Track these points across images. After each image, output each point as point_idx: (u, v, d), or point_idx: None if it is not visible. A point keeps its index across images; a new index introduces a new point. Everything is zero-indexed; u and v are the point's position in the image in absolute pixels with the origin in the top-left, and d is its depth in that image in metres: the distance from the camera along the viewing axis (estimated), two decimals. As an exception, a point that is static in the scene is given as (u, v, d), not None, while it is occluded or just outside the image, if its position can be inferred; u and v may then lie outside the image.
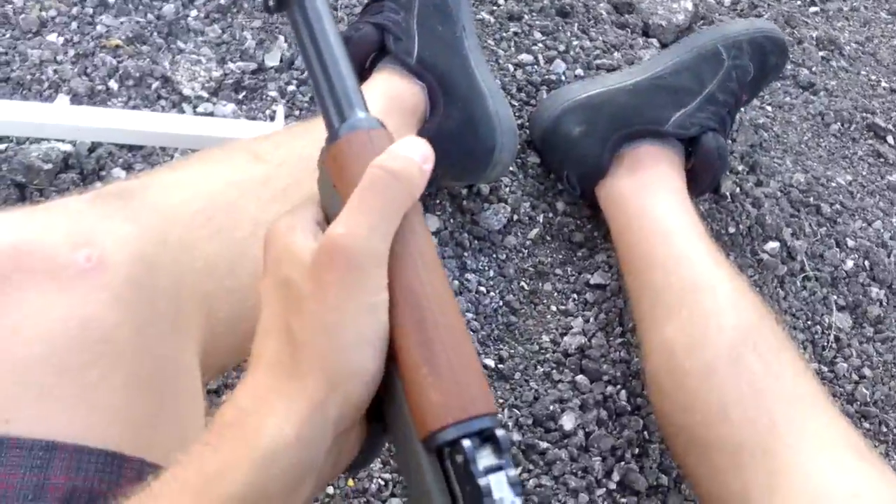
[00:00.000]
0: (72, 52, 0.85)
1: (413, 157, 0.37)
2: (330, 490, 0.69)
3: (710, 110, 0.87)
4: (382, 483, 0.70)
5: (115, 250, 0.43)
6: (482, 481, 0.32)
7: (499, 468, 0.32)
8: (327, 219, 0.39)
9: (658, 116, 0.86)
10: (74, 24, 0.88)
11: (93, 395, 0.40)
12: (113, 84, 0.84)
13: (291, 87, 0.90)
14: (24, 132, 0.75)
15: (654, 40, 1.13)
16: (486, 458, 0.33)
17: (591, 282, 0.87)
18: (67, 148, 0.77)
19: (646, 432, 0.78)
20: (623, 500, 0.75)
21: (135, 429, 0.41)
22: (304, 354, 0.34)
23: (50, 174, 0.75)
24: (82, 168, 0.77)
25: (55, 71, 0.83)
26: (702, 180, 0.87)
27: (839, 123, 1.11)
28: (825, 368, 0.89)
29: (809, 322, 0.91)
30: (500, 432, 0.33)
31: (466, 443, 0.32)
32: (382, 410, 0.37)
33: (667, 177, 0.84)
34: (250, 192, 0.55)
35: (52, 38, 0.87)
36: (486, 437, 0.33)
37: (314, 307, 0.34)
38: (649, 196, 0.82)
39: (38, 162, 0.74)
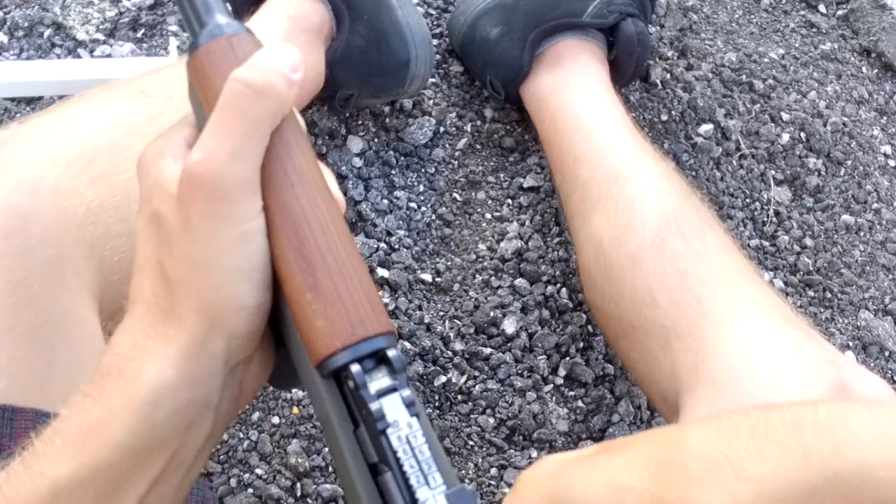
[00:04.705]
0: (-46, 8, 0.81)
1: (278, 67, 0.33)
2: (276, 420, 0.70)
3: (628, -5, 0.85)
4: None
5: None
6: (374, 405, 0.31)
7: (392, 390, 0.31)
8: None
9: (574, 8, 0.84)
10: (-46, -22, 0.84)
11: None
12: (2, 37, 0.80)
13: (195, 20, 0.87)
14: (-90, 97, 0.71)
15: (574, -70, 1.09)
16: (379, 380, 0.32)
17: (525, 185, 0.86)
18: (-39, 109, 0.74)
19: (589, 326, 0.79)
20: (571, 392, 0.75)
21: (24, 380, 0.40)
22: (178, 293, 0.32)
23: (-53, 138, 0.72)
24: (-20, 128, 0.74)
25: (-61, 30, 0.79)
26: (625, 69, 0.85)
27: (770, -3, 1.09)
28: (767, 243, 0.89)
29: (748, 200, 0.91)
30: (391, 352, 0.32)
31: (355, 367, 0.31)
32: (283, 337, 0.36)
33: (588, 69, 0.82)
34: (137, 130, 0.53)
35: (-69, -5, 0.82)
36: (381, 358, 0.32)
37: (183, 242, 0.32)
38: (570, 91, 0.80)
39: (-69, 127, 0.71)
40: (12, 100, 0.74)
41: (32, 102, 0.76)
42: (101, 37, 0.80)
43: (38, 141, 0.48)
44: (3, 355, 0.40)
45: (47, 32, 0.80)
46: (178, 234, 0.32)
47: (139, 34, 0.82)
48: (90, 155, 0.49)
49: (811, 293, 0.88)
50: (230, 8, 0.81)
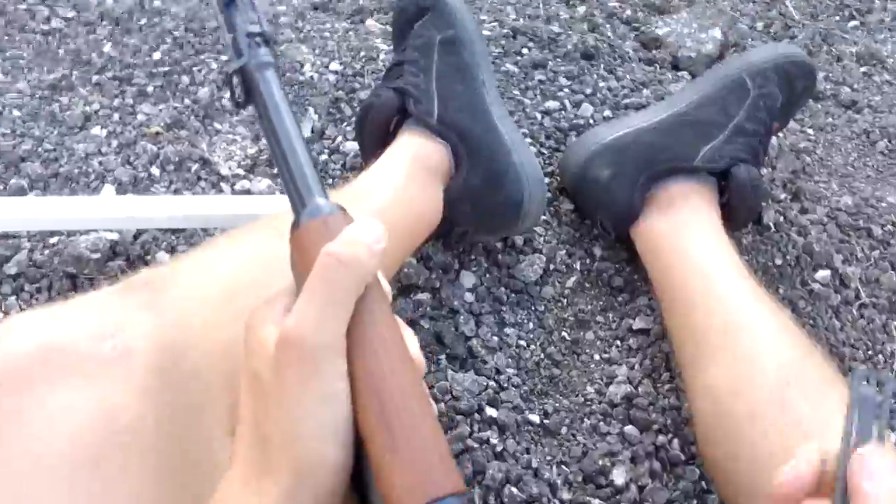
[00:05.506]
0: (115, 143, 0.90)
1: (362, 239, 0.37)
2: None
3: (740, 141, 0.86)
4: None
5: (139, 339, 0.45)
6: None
7: None
8: None
9: (686, 152, 0.85)
10: (116, 116, 0.94)
11: (119, 487, 0.41)
12: (155, 170, 0.88)
13: (323, 157, 0.93)
14: (73, 226, 0.79)
15: (684, 73, 1.13)
16: None
17: (634, 327, 0.85)
18: (114, 237, 0.80)
19: (703, 482, 0.75)
20: (682, 552, 0.72)
21: None
22: (271, 448, 0.35)
23: (99, 263, 0.79)
24: (129, 254, 0.80)
25: (100, 162, 0.88)
26: (738, 214, 0.86)
27: (886, 140, 1.08)
28: (892, 399, 0.84)
29: (870, 352, 0.87)
30: None
31: None
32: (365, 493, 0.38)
33: (701, 213, 0.83)
34: (275, 270, 0.56)
35: (95, 131, 0.92)
36: None
37: (276, 400, 0.35)
38: (684, 236, 0.80)
39: (86, 252, 0.78)
40: (160, 229, 0.81)
41: (178, 232, 0.82)
42: (241, 172, 0.87)
43: (190, 279, 0.53)
44: (149, 491, 0.42)
45: (194, 167, 0.88)
46: (272, 392, 0.35)
47: (275, 170, 0.89)
48: (232, 292, 0.53)
49: (944, 456, 0.82)
50: (359, 148, 0.87)
